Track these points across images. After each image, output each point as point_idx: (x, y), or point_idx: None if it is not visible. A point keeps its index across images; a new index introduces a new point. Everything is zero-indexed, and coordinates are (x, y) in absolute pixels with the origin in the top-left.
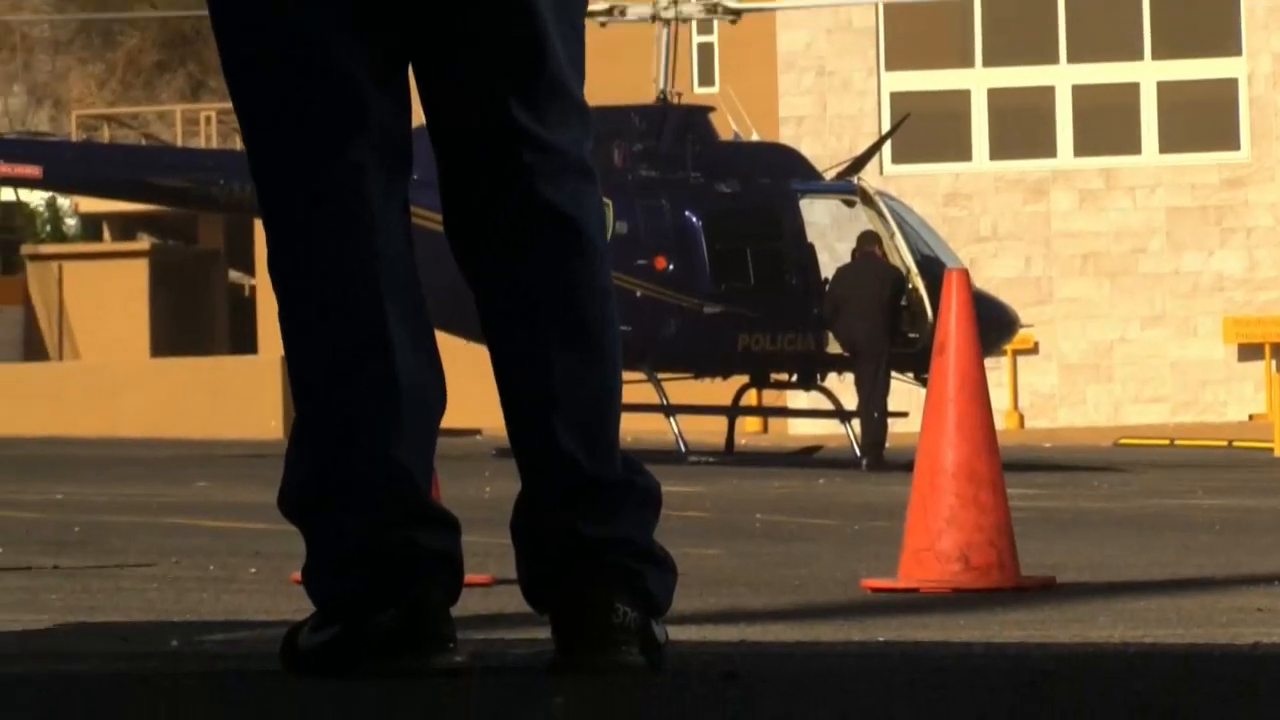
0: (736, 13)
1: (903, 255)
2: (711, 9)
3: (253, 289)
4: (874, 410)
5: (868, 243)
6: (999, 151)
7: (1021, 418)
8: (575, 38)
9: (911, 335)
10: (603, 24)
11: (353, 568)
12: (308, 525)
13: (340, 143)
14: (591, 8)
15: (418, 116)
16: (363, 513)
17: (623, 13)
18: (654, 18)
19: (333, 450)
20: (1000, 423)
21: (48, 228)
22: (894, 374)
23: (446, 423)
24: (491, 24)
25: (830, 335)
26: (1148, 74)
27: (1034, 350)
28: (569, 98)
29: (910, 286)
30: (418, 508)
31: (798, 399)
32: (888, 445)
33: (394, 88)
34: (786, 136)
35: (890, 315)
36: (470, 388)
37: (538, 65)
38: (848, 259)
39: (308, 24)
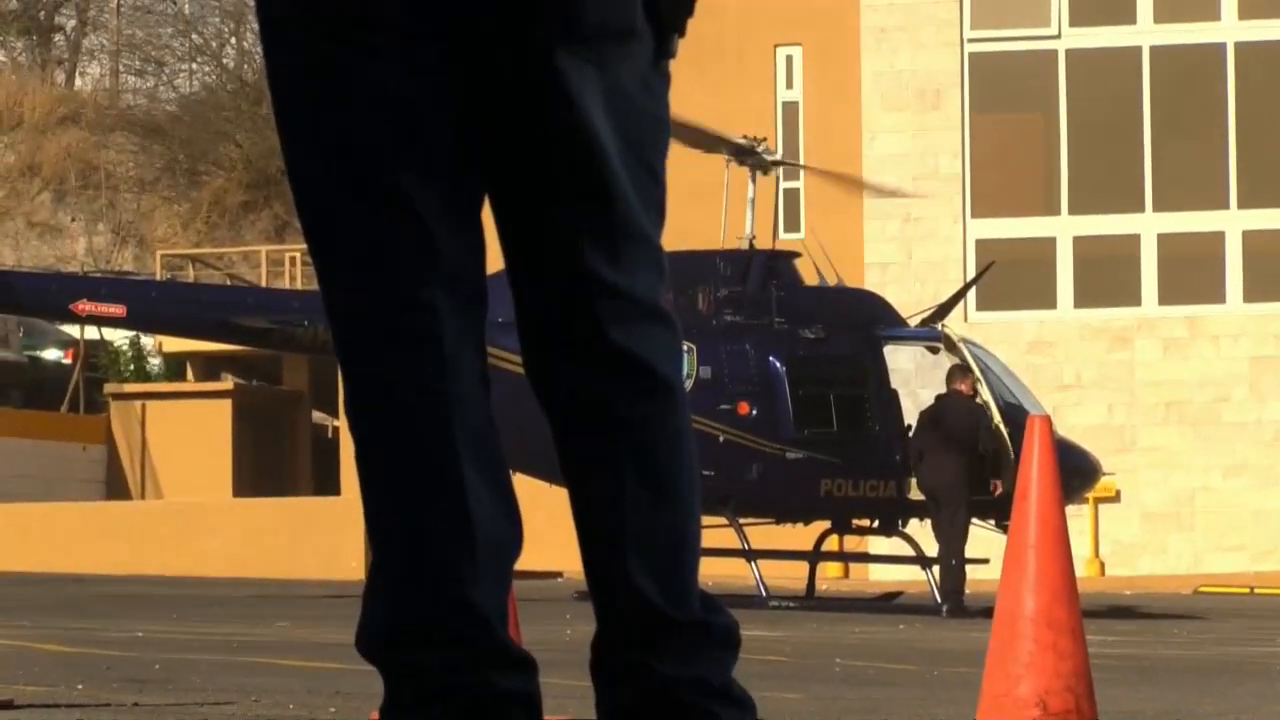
0: (767, 165)
1: (987, 402)
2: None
3: (336, 430)
4: (953, 557)
5: (956, 379)
6: (1083, 299)
7: (1102, 565)
8: (651, 180)
9: (994, 483)
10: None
11: (430, 708)
12: (385, 665)
13: (412, 282)
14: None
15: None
16: (439, 653)
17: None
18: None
19: (408, 591)
20: (1081, 570)
21: (131, 367)
22: (976, 520)
23: (527, 565)
24: (562, 168)
25: (912, 482)
26: (1232, 223)
27: (1116, 499)
28: (642, 242)
29: (994, 429)
30: (494, 648)
31: (879, 545)
32: (968, 592)
33: (467, 229)
34: (871, 283)
35: (972, 459)
36: (551, 531)
37: (607, 209)
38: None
39: (380, 167)
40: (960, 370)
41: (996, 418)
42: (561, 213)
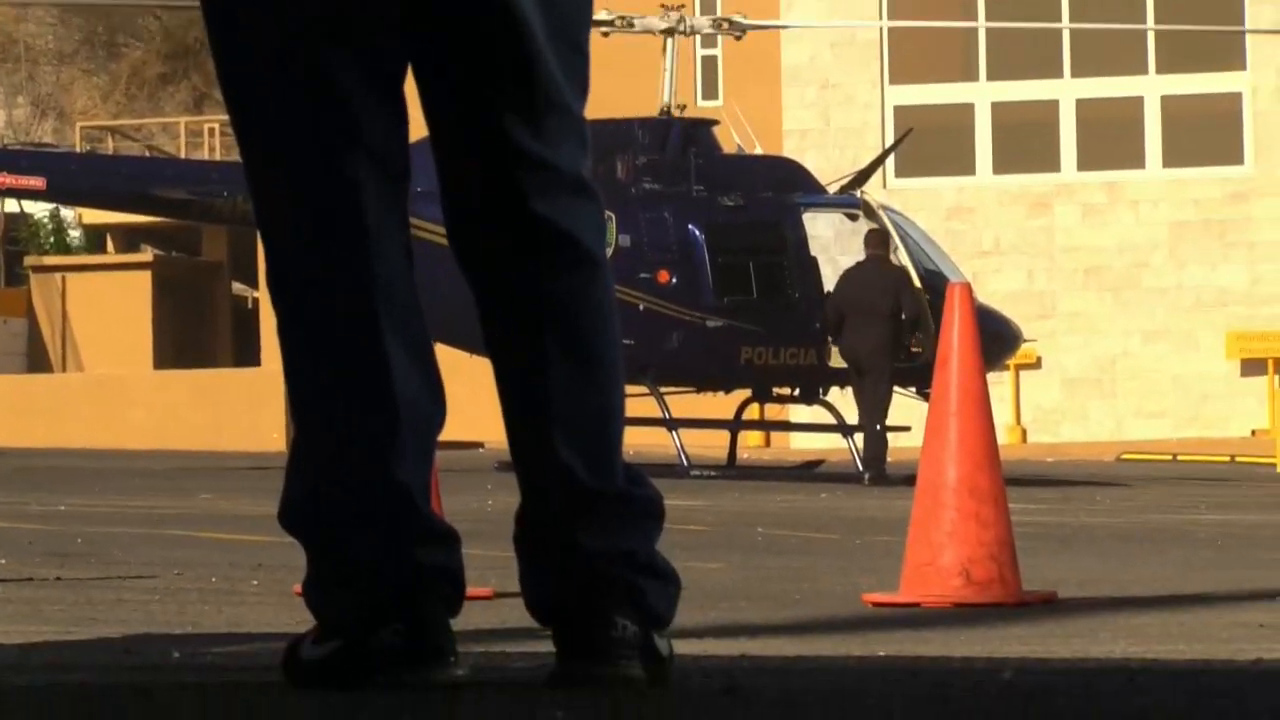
0: (743, 29)
1: (905, 266)
2: (719, 24)
3: (256, 301)
4: (876, 424)
5: (875, 244)
6: (1002, 165)
7: (1024, 432)
8: (574, 53)
9: (914, 349)
10: (605, 34)
11: (353, 584)
12: (308, 540)
13: (335, 159)
14: (597, 18)
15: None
16: (362, 530)
17: (629, 24)
18: (665, 31)
19: (331, 468)
20: (1003, 437)
21: (52, 239)
22: (896, 388)
23: (449, 435)
24: (483, 41)
25: (833, 350)
26: (1151, 88)
27: (1036, 365)
28: (565, 114)
29: (914, 292)
30: (417, 524)
31: (800, 413)
32: (890, 460)
33: (389, 102)
34: (790, 150)
35: (893, 327)
36: (473, 401)
37: (530, 82)
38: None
39: (299, 40)
40: (877, 235)
41: (916, 282)
42: (485, 85)
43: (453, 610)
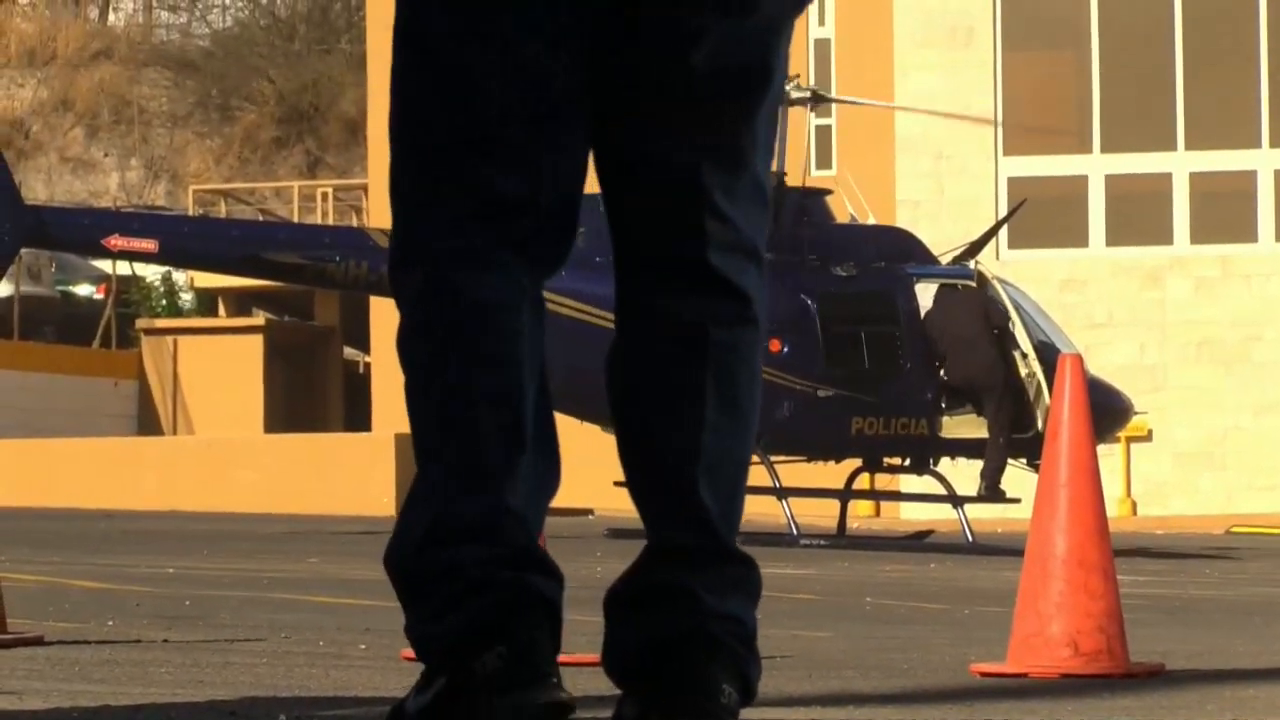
0: (821, 99)
1: (1019, 341)
2: (809, 96)
3: (367, 366)
4: (1001, 436)
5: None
6: (1115, 238)
7: (1134, 505)
8: (770, 120)
9: (1026, 421)
10: None
11: (462, 604)
12: (416, 571)
13: (515, 207)
14: None
15: None
16: (475, 546)
17: None
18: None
19: (453, 488)
20: (1112, 510)
21: (163, 302)
22: (1009, 461)
23: (557, 502)
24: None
25: (944, 420)
26: (1264, 161)
27: (1147, 438)
28: (753, 179)
29: (1001, 310)
30: (530, 552)
31: (910, 483)
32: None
33: (573, 152)
34: (903, 220)
35: (992, 341)
36: (583, 469)
37: (733, 139)
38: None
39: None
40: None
41: (1004, 299)
42: (687, 136)
43: (553, 642)
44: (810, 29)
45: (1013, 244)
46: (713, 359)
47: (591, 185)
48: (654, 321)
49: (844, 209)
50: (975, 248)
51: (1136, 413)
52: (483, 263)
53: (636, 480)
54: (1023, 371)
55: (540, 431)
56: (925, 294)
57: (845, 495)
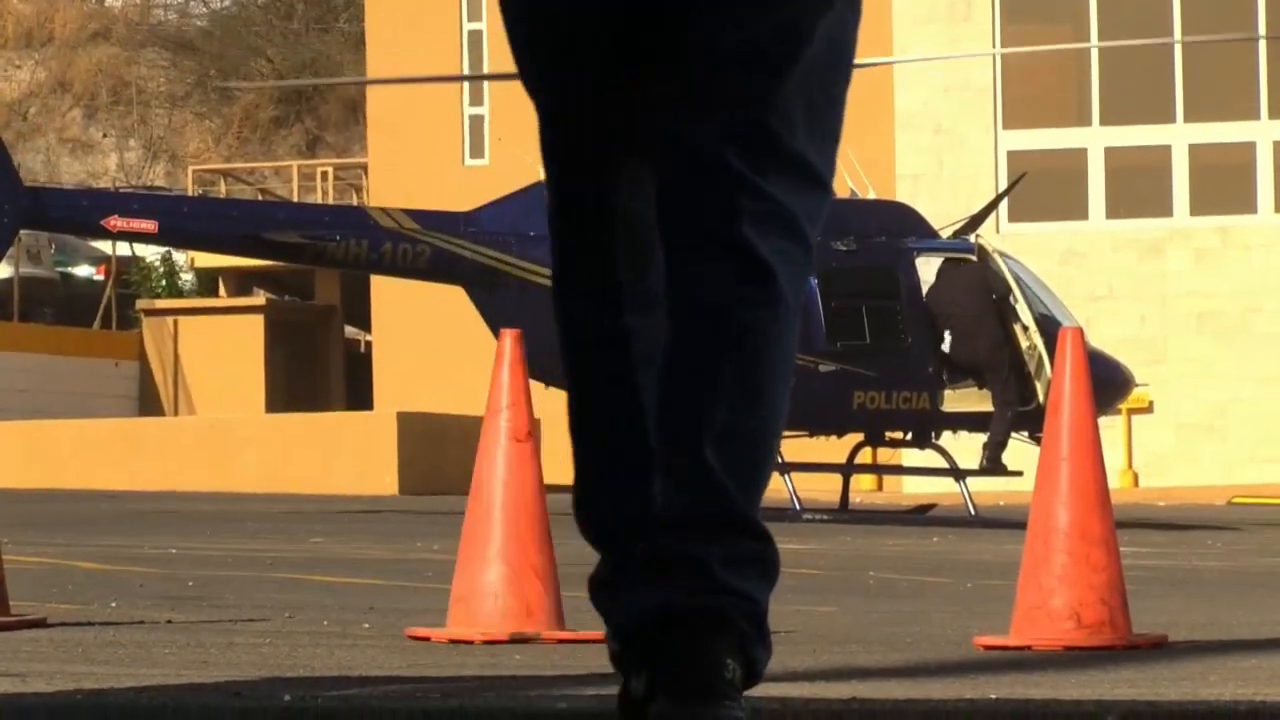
0: None
1: (1020, 314)
2: None
3: (368, 345)
4: (1008, 409)
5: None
6: (1115, 210)
7: (1136, 477)
8: (829, 107)
9: (1027, 394)
10: None
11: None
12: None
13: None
14: None
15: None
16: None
17: None
18: None
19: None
20: (1114, 482)
21: (163, 283)
22: (1012, 435)
23: (568, 481)
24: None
25: (945, 394)
26: (1263, 133)
27: (1149, 410)
28: (792, 156)
29: (1001, 279)
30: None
31: (912, 457)
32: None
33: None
34: (903, 195)
35: (991, 313)
36: None
37: (760, 107)
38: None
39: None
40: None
41: (1004, 272)
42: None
43: None
44: None
45: (1013, 217)
46: (734, 340)
47: None
48: (675, 300)
49: (844, 184)
50: (975, 221)
51: (1137, 385)
52: None
53: (658, 441)
54: (1024, 345)
55: None
56: (926, 268)
57: (848, 469)
